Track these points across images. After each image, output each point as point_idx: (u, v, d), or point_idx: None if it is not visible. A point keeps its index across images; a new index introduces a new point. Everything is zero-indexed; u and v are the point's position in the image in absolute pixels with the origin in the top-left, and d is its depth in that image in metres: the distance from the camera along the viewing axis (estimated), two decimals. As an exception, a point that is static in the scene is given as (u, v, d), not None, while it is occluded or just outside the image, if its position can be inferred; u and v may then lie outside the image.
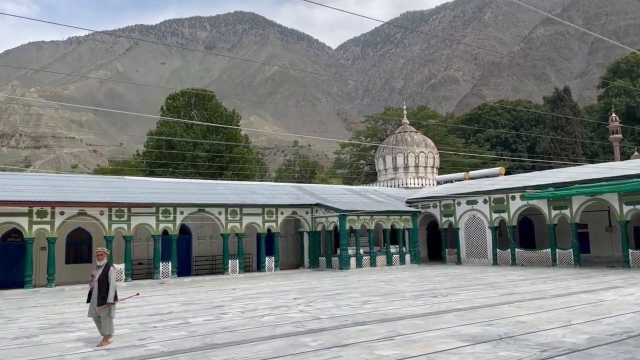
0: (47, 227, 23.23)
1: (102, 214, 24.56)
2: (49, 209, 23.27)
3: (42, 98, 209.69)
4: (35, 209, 22.90)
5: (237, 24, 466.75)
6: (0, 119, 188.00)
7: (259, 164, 66.40)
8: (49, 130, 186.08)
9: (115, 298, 9.75)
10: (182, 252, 28.03)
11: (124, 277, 24.65)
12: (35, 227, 22.93)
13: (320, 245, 32.13)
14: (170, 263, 26.14)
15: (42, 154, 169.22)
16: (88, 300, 9.78)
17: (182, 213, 26.86)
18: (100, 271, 9.72)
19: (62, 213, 23.58)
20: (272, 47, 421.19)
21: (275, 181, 62.08)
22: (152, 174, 47.45)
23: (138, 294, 13.40)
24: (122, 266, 24.77)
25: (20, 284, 22.56)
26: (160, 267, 25.82)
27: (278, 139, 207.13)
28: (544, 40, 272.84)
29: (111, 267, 9.82)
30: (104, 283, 9.60)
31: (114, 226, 24.81)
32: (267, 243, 29.95)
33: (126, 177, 35.15)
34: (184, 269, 27.93)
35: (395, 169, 45.37)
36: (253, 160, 58.91)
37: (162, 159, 50.58)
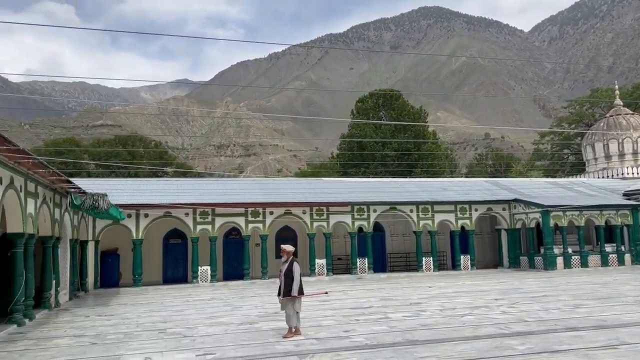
0: (260, 225, 26.06)
1: (304, 213, 26.65)
2: (260, 210, 26.08)
3: (250, 111, 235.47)
4: (250, 209, 25.89)
5: (421, 20, 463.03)
6: (218, 132, 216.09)
7: (448, 160, 64.88)
8: (257, 139, 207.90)
9: (301, 292, 10.23)
10: (376, 249, 28.87)
11: (325, 271, 26.40)
12: (250, 226, 25.91)
13: (521, 244, 30.06)
14: (366, 259, 27.15)
15: (252, 160, 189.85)
16: (278, 294, 10.44)
17: (375, 211, 27.67)
18: (285, 267, 10.36)
19: (271, 213, 26.21)
20: (458, 38, 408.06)
21: (467, 177, 59.96)
22: (345, 174, 49.82)
23: (326, 293, 13.98)
24: (323, 261, 26.55)
25: (240, 276, 25.73)
26: (358, 263, 26.99)
27: (467, 132, 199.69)
28: None
29: (295, 263, 10.35)
30: (289, 277, 10.16)
31: (315, 224, 26.74)
32: (461, 241, 29.10)
33: (323, 178, 37.57)
34: (379, 266, 28.74)
35: (608, 157, 40.21)
36: (442, 156, 57.82)
37: (354, 159, 52.78)
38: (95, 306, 17.21)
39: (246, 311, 14.38)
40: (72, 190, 17.49)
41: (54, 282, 16.60)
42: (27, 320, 13.35)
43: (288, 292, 10.05)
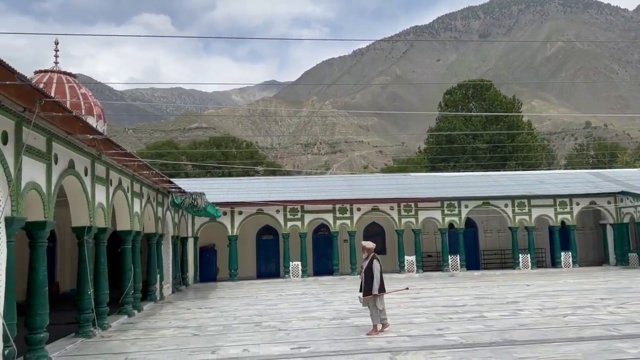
0: (348, 222, 26.21)
1: (392, 209, 26.44)
2: (348, 206, 26.23)
3: (335, 109, 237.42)
4: (337, 206, 26.13)
5: (512, 6, 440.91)
6: (305, 130, 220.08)
7: (545, 151, 61.36)
8: (342, 136, 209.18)
9: (383, 290, 10.11)
10: (469, 246, 27.97)
11: (415, 268, 26.04)
12: (338, 222, 26.15)
13: (629, 240, 27.75)
14: (458, 256, 26.41)
15: (338, 157, 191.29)
16: (360, 291, 10.36)
17: (466, 206, 26.82)
18: (366, 264, 10.28)
19: (358, 209, 26.27)
20: (553, 22, 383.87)
21: (566, 168, 56.33)
22: (433, 169, 48.76)
23: (407, 288, 13.72)
24: (412, 258, 26.19)
25: (329, 272, 26.07)
26: (449, 260, 26.33)
27: (565, 121, 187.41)
28: None
29: (375, 260, 10.22)
30: (369, 275, 10.07)
31: (403, 220, 26.44)
32: (562, 237, 27.40)
33: (411, 173, 37.07)
34: (472, 263, 27.80)
35: None
36: (538, 148, 54.86)
37: (442, 154, 51.49)
38: (195, 299, 18.22)
39: (337, 306, 14.54)
40: (173, 190, 18.63)
41: (158, 276, 17.79)
42: (135, 312, 14.43)
43: (369, 290, 10.00)
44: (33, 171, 8.33)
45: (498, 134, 48.41)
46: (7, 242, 7.46)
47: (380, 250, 28.52)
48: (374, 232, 28.69)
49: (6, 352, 7.29)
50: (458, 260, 26.39)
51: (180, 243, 22.69)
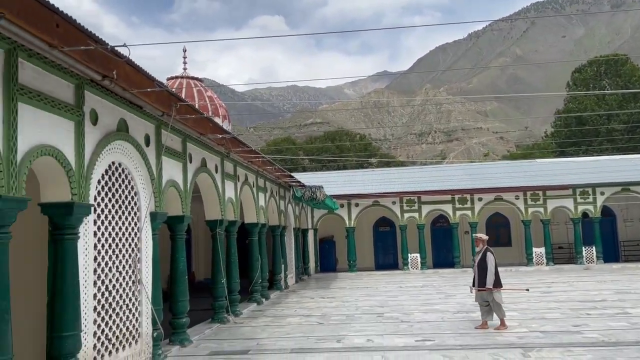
0: (468, 212, 25.27)
1: (517, 198, 25.00)
2: (468, 196, 25.28)
3: (450, 95, 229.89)
4: (456, 196, 25.31)
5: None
6: (418, 119, 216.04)
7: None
8: (458, 123, 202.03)
9: (499, 284, 9.65)
10: (606, 236, 25.60)
11: (545, 260, 24.45)
12: (458, 213, 25.33)
13: None
14: (594, 247, 24.30)
15: (454, 146, 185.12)
16: (473, 285, 10.00)
17: (602, 194, 24.55)
18: (479, 257, 9.91)
19: (480, 199, 25.22)
20: None
21: None
22: (562, 154, 45.28)
23: (527, 290, 12.93)
24: (541, 250, 24.60)
25: (450, 264, 25.37)
26: (583, 252, 24.33)
27: None
28: None
29: (489, 253, 9.81)
30: (482, 268, 9.71)
31: (530, 210, 24.89)
32: None
33: (537, 160, 34.68)
34: (610, 255, 25.38)
35: None
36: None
37: (572, 137, 47.61)
38: (317, 289, 18.78)
39: (460, 299, 14.11)
40: (294, 183, 19.33)
41: (282, 266, 18.62)
42: (264, 300, 15.24)
43: (483, 284, 9.69)
44: (171, 170, 9.12)
45: (637, 113, 43.60)
46: (152, 235, 8.26)
47: (505, 242, 27.21)
48: (497, 222, 27.41)
49: (155, 334, 8.09)
50: (594, 251, 24.27)
51: (301, 235, 23.49)
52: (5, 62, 4.97)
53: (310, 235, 25.81)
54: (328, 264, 27.11)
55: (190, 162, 10.08)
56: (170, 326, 9.27)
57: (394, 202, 25.57)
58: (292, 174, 19.67)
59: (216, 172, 11.68)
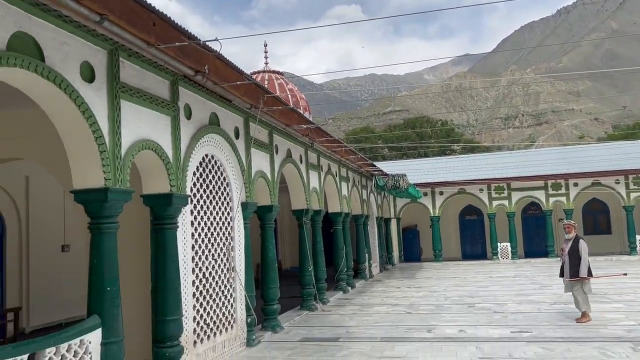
0: (563, 199, 23.83)
1: (618, 183, 23.23)
2: (562, 181, 23.83)
3: (538, 76, 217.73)
4: (549, 182, 23.94)
5: None
6: (504, 103, 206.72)
7: None
8: (548, 105, 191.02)
9: (590, 273, 9.11)
10: None
11: (652, 250, 22.59)
12: (551, 200, 23.96)
13: None
14: None
15: (544, 129, 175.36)
16: (561, 275, 9.51)
17: None
18: (569, 244, 9.38)
19: (575, 184, 23.70)
20: None
21: None
22: (669, 134, 41.49)
23: (625, 274, 11.91)
24: (648, 238, 22.75)
25: (543, 253, 24.11)
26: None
27: None
28: None
29: (581, 240, 9.32)
30: (574, 256, 9.18)
31: (632, 195, 23.05)
32: None
33: (639, 140, 32.01)
34: None
35: None
36: None
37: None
38: (402, 278, 18.57)
39: (557, 290, 13.28)
40: (376, 172, 19.20)
41: (366, 255, 18.58)
42: (349, 288, 15.31)
43: (576, 273, 9.14)
44: (259, 161, 9.34)
45: None
46: (244, 224, 8.52)
47: (604, 230, 25.43)
48: (595, 209, 25.65)
49: (248, 320, 8.37)
50: None
51: (384, 224, 23.31)
52: (108, 62, 5.29)
53: (393, 224, 25.55)
54: (412, 253, 26.73)
55: (277, 153, 10.27)
56: (262, 312, 9.55)
57: (481, 190, 24.66)
58: (373, 163, 19.54)
59: (301, 162, 11.84)
